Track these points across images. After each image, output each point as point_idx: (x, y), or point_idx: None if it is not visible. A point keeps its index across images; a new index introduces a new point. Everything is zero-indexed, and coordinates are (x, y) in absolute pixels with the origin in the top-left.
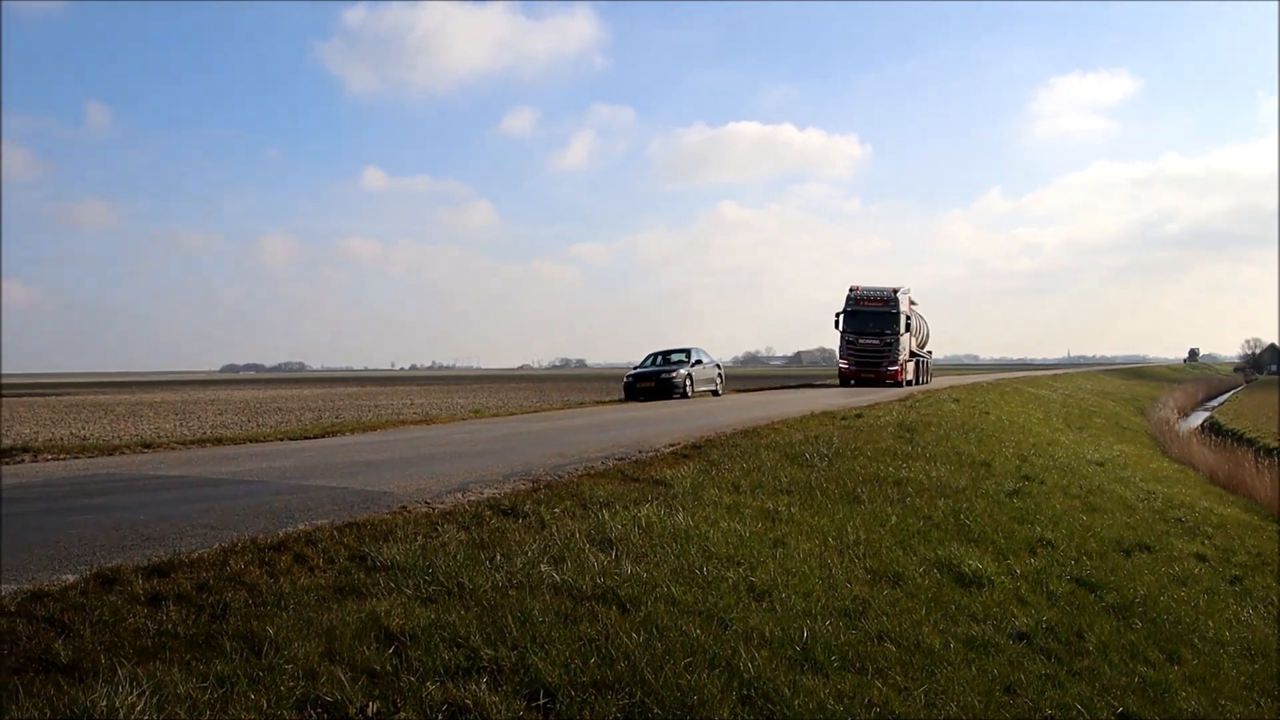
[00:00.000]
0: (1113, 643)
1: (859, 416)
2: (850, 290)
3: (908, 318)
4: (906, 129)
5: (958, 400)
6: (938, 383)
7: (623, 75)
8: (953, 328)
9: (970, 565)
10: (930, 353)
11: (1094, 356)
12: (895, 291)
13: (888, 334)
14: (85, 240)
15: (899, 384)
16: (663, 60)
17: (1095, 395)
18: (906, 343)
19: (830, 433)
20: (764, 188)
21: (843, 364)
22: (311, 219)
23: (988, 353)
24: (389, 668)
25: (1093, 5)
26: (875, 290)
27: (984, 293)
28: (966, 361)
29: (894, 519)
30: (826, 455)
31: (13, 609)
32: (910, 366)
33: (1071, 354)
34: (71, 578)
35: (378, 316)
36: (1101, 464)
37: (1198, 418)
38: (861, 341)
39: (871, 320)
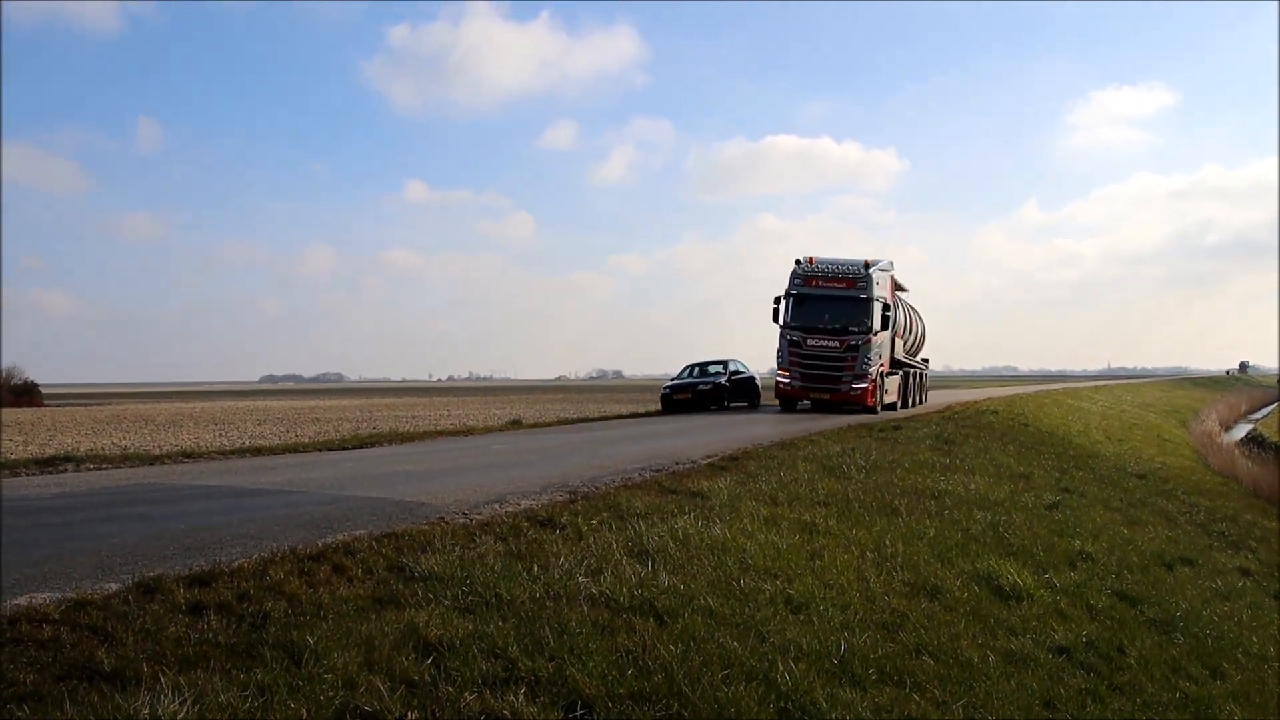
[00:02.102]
0: (1154, 658)
1: (896, 429)
2: (797, 263)
3: (886, 307)
4: (944, 142)
5: (996, 412)
6: (942, 398)
7: (662, 90)
8: (991, 339)
9: (1009, 578)
10: (926, 362)
11: (1134, 368)
12: (868, 267)
13: (853, 332)
14: (131, 252)
15: (870, 409)
16: (702, 75)
17: (1136, 407)
18: (884, 346)
19: (867, 445)
20: (802, 200)
21: (782, 377)
22: (354, 231)
23: (1027, 364)
24: (427, 678)
25: (1129, 20)
26: (836, 264)
27: (1023, 304)
28: (1005, 373)
29: (932, 531)
30: (863, 467)
31: (57, 617)
32: (892, 383)
33: (1112, 365)
34: (114, 586)
35: (416, 328)
36: (1143, 477)
37: (1240, 430)
38: (812, 343)
39: (828, 310)
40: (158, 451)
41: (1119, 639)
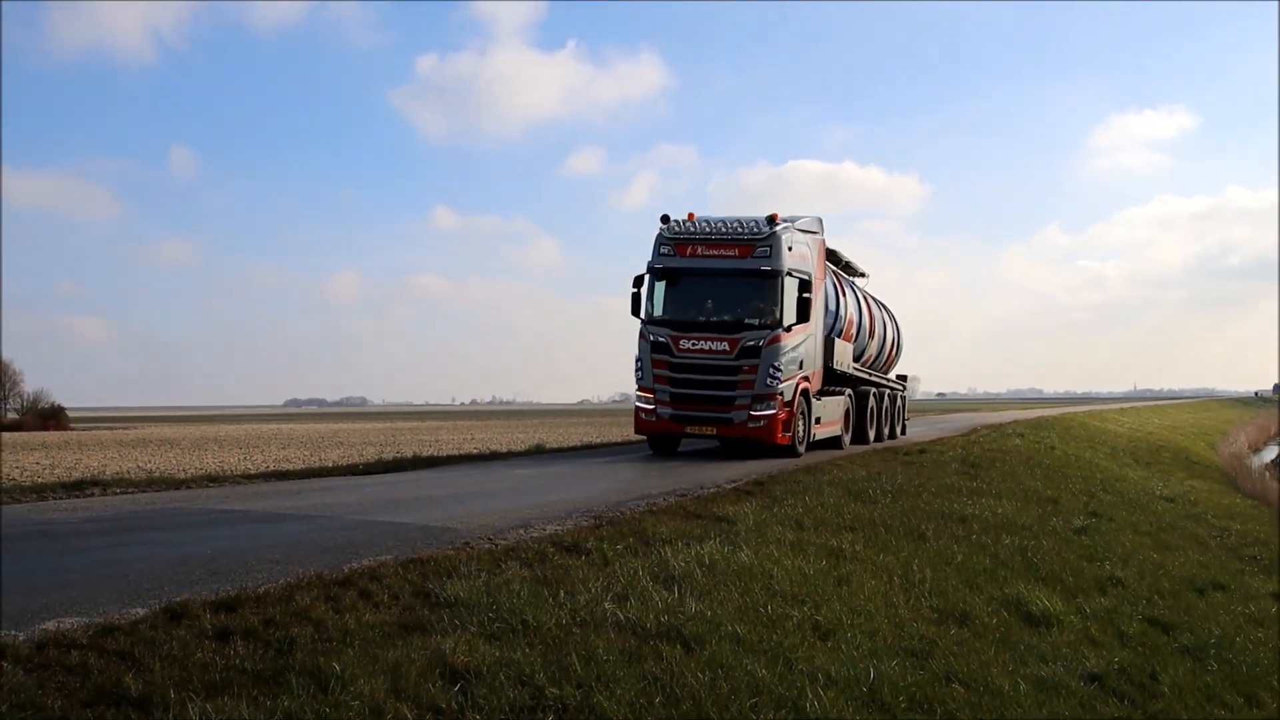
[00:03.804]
0: (1188, 685)
1: (921, 453)
2: (665, 223)
3: (807, 286)
4: (966, 166)
5: (1022, 435)
6: (967, 421)
7: (686, 117)
8: (1016, 361)
9: (1039, 604)
10: (904, 380)
11: (1160, 390)
12: (774, 223)
13: (751, 326)
14: (163, 278)
15: (786, 448)
16: (725, 102)
17: (1163, 429)
18: (808, 348)
19: (893, 469)
20: (826, 224)
21: (643, 400)
22: (382, 257)
23: (1052, 386)
24: (454, 705)
25: (1148, 44)
26: (724, 222)
27: (1047, 327)
28: (1030, 395)
29: (960, 557)
30: (889, 491)
31: (85, 642)
32: (831, 407)
33: (1137, 387)
34: (141, 611)
35: (440, 352)
36: (1172, 500)
37: (1271, 452)
38: (687, 346)
39: (713, 292)
40: (183, 475)
41: (1152, 666)
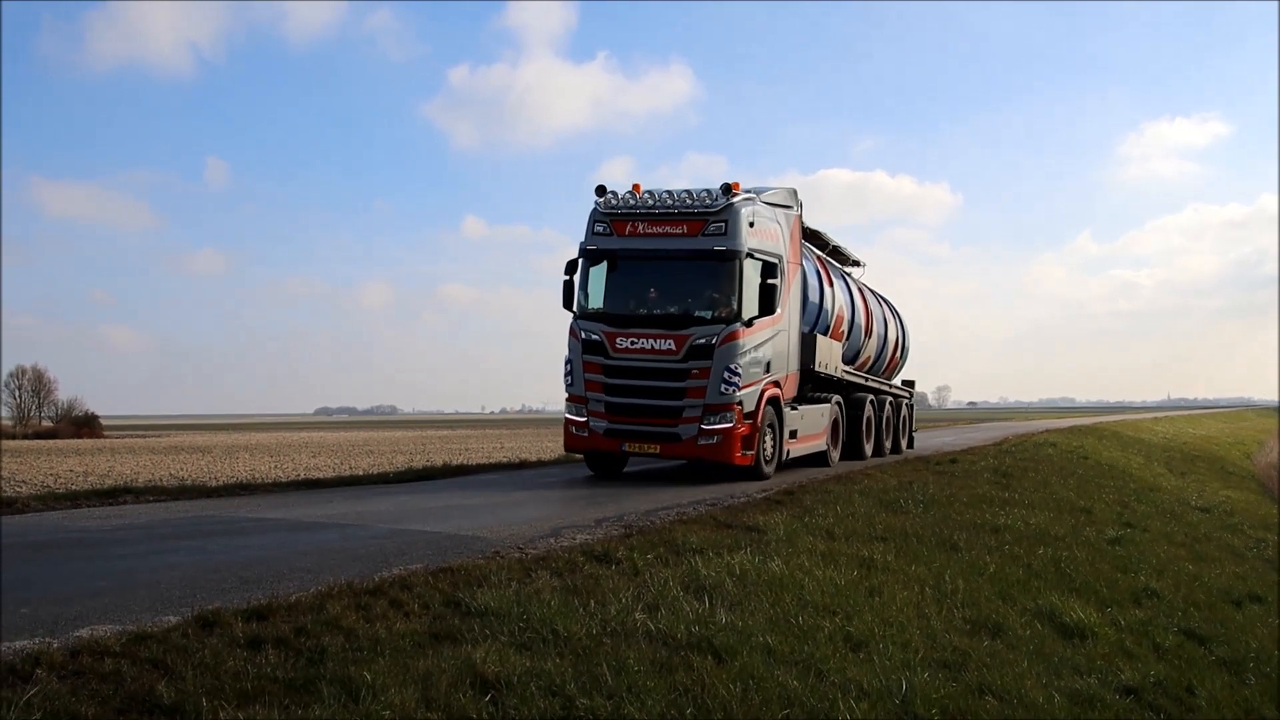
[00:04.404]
0: (1225, 699)
1: (953, 462)
2: (601, 196)
3: (773, 270)
4: (996, 175)
5: (1054, 445)
6: (999, 431)
7: (715, 126)
8: (1047, 371)
9: (1073, 616)
10: (910, 388)
11: (1195, 399)
12: (729, 193)
13: (702, 319)
14: (195, 287)
15: (749, 469)
16: (755, 112)
17: (1197, 438)
18: (778, 346)
19: (925, 479)
20: (855, 233)
21: (572, 410)
22: (412, 266)
23: (1084, 395)
24: (485, 715)
25: (1182, 53)
26: (671, 195)
27: (1079, 335)
28: (1062, 404)
29: (992, 567)
30: (921, 501)
31: (118, 650)
32: (811, 418)
33: (1171, 396)
34: (173, 619)
35: (470, 361)
36: (1207, 510)
37: None
38: (626, 345)
39: (656, 279)
40: (215, 483)
41: (1188, 679)
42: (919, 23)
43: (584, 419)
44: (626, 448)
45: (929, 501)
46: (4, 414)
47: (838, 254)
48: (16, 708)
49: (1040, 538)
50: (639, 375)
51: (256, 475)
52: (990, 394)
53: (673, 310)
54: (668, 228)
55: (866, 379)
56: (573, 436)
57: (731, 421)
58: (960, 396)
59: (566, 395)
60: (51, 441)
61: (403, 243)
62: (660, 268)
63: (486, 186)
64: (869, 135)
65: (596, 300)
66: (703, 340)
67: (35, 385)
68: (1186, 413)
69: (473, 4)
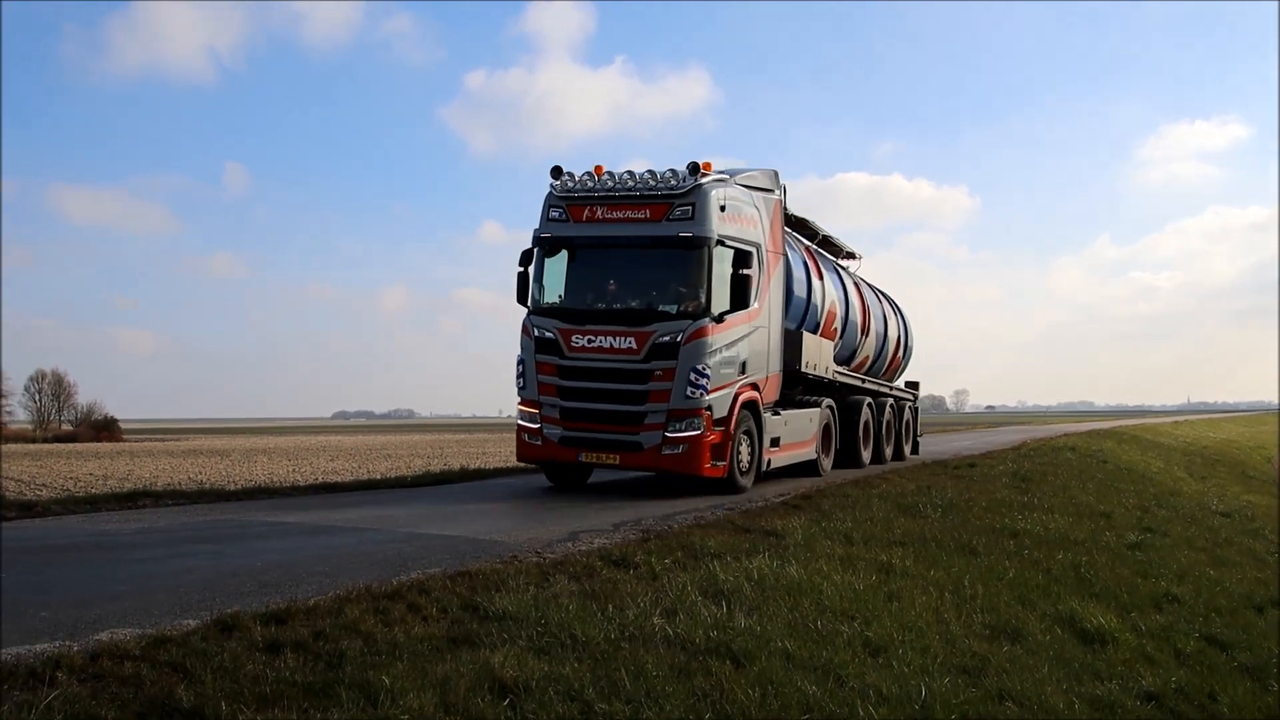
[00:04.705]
0: (1248, 705)
1: (972, 466)
2: (558, 177)
3: (745, 259)
4: (1015, 178)
5: (1074, 449)
6: (1017, 435)
7: (733, 130)
8: (1066, 374)
9: (1093, 621)
10: (914, 389)
11: (1216, 403)
12: (697, 173)
13: (665, 315)
14: (214, 291)
15: (724, 481)
16: (773, 116)
17: (1218, 442)
18: (754, 344)
19: (943, 483)
20: (873, 237)
21: (526, 417)
22: (429, 271)
23: (1103, 399)
24: (504, 719)
25: (1200, 56)
26: (631, 177)
27: (1098, 338)
28: (1081, 408)
29: (1012, 572)
30: (940, 506)
31: (137, 653)
32: (796, 425)
33: (1191, 400)
34: (193, 623)
35: (488, 365)
36: (1228, 515)
37: None
38: (581, 344)
39: (616, 270)
40: (233, 487)
41: (1210, 685)
42: (936, 26)
43: (537, 426)
44: (583, 457)
45: (947, 506)
46: (24, 418)
47: (829, 244)
48: (38, 711)
49: (1060, 542)
50: (597, 377)
51: (275, 479)
52: (1009, 398)
53: (634, 304)
54: (629, 212)
55: (863, 380)
56: (525, 445)
57: (699, 429)
58: (978, 400)
59: (520, 399)
60: (71, 445)
61: (420, 247)
62: (621, 257)
63: (504, 191)
64: (887, 138)
65: (553, 294)
66: (666, 338)
67: (55, 389)
68: (1206, 416)
69: (490, 9)
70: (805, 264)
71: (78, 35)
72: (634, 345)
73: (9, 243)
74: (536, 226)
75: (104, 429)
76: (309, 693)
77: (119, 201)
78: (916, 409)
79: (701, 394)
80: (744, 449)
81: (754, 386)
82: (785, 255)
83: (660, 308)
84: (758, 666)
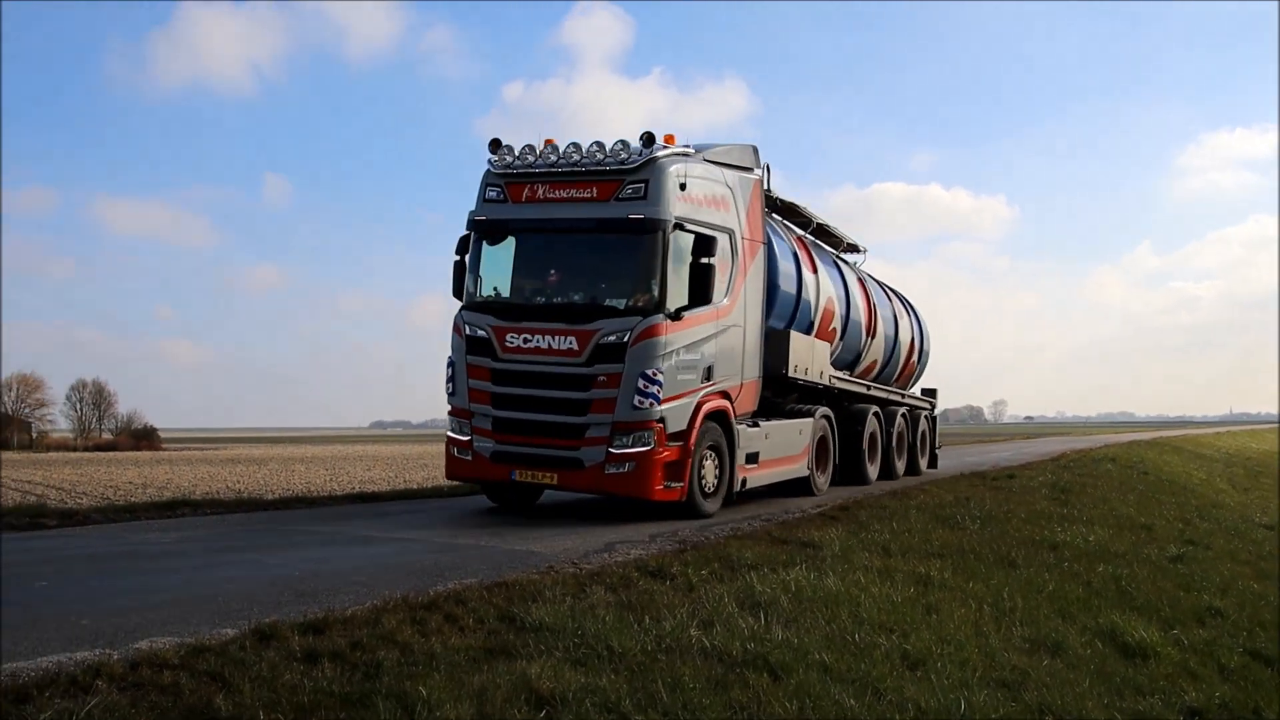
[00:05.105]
0: None
1: (1010, 478)
2: (497, 150)
3: (709, 246)
4: (1053, 187)
5: (1114, 460)
6: (1056, 446)
7: (770, 141)
8: (1106, 384)
9: (1135, 635)
10: (932, 397)
11: (1258, 413)
12: (651, 143)
13: (612, 311)
14: (253, 302)
15: (684, 505)
16: (810, 126)
17: (1261, 453)
18: (723, 345)
19: (981, 494)
20: (911, 247)
21: (455, 428)
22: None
23: (1144, 410)
24: None
25: (1240, 63)
26: (577, 151)
27: (1139, 349)
28: (1121, 419)
29: (1051, 585)
30: (978, 517)
31: (176, 662)
32: (779, 438)
33: (1234, 410)
34: (231, 632)
35: None
36: (1272, 527)
37: None
38: (517, 344)
39: (557, 258)
40: (271, 496)
41: (1255, 701)
42: (972, 34)
43: (467, 438)
44: (517, 475)
45: (986, 517)
46: (65, 426)
47: (825, 234)
48: (78, 718)
49: (1100, 555)
50: (533, 383)
51: (312, 488)
52: (1048, 409)
53: (576, 298)
54: (573, 191)
55: (869, 387)
56: (453, 460)
57: (649, 444)
58: (1017, 411)
59: (450, 406)
60: (111, 454)
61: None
62: (564, 242)
63: None
64: (924, 148)
65: (484, 287)
66: (612, 337)
67: (96, 398)
68: (1249, 427)
69: (529, 21)
70: (795, 255)
71: (122, 49)
72: (575, 346)
73: (54, 254)
74: (473, 209)
75: (143, 438)
76: (346, 703)
77: (161, 213)
78: (934, 419)
79: (652, 403)
80: (708, 466)
81: (724, 394)
82: (770, 244)
83: (606, 302)
84: (795, 679)
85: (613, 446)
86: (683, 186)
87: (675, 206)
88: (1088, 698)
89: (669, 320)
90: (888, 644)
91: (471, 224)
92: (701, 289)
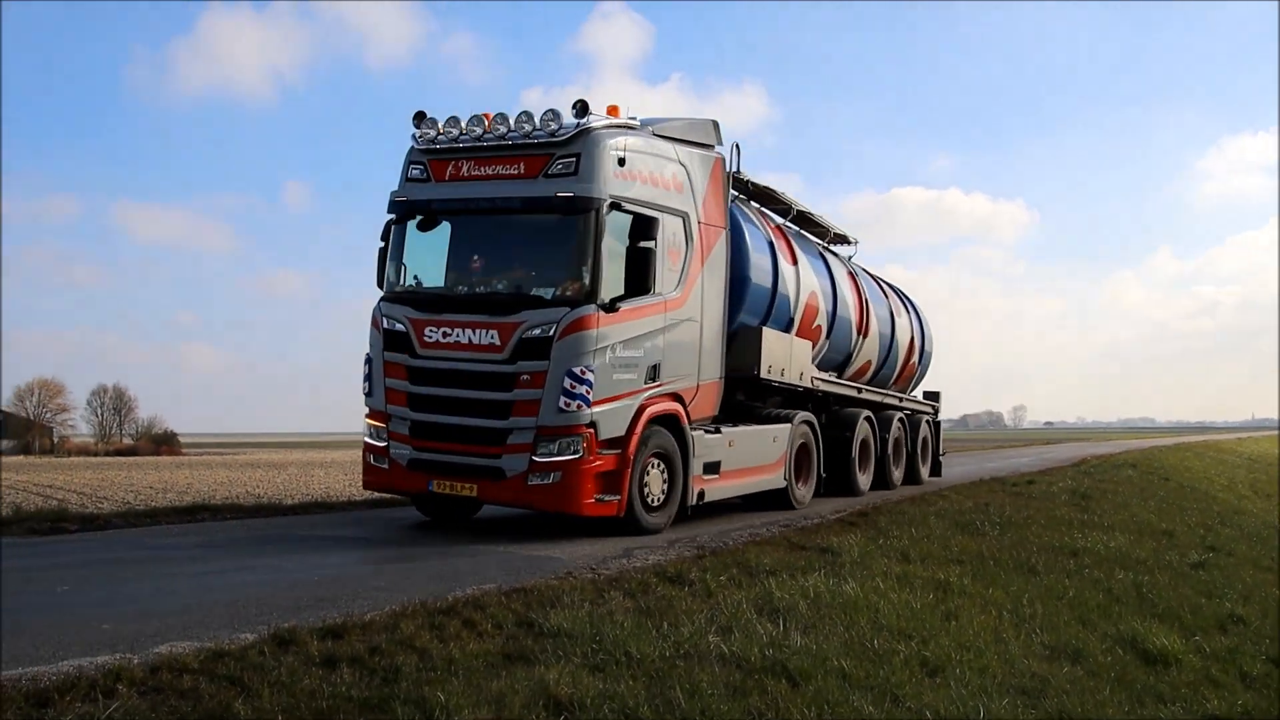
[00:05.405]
0: None
1: (1030, 483)
2: (417, 129)
3: (648, 226)
4: (1072, 191)
5: (1134, 466)
6: (1076, 451)
7: (790, 146)
8: (1126, 390)
9: (1155, 642)
10: (934, 400)
11: None
12: (585, 112)
13: (538, 302)
14: (274, 307)
15: (625, 520)
16: (829, 132)
17: None
18: (679, 346)
19: (1001, 500)
20: (930, 251)
21: (373, 432)
22: None
23: (1164, 415)
24: None
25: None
26: (504, 123)
27: (1159, 354)
28: (1142, 424)
29: (1071, 591)
30: (998, 523)
31: (196, 667)
32: (748, 443)
33: (1255, 416)
34: (250, 637)
35: None
36: None
37: None
38: (434, 339)
39: (483, 243)
40: (291, 501)
41: (1277, 709)
42: (991, 39)
43: (383, 444)
44: (434, 486)
45: (1005, 523)
46: (86, 431)
47: (809, 223)
48: None
49: (1120, 561)
50: (452, 382)
51: (331, 493)
52: (1068, 414)
53: (500, 287)
54: (501, 167)
55: (859, 390)
56: (369, 469)
57: (577, 452)
58: (1036, 416)
59: (367, 408)
60: (132, 458)
61: None
62: (489, 225)
63: None
64: (942, 153)
65: (404, 275)
66: (537, 331)
67: (116, 403)
68: (1271, 433)
69: (548, 28)
70: (771, 245)
71: (145, 57)
72: (497, 340)
73: (76, 260)
74: (395, 189)
75: (164, 443)
76: (365, 708)
77: (182, 219)
78: (937, 424)
79: (580, 406)
80: (654, 477)
81: (675, 397)
82: (739, 232)
83: (533, 292)
84: (814, 686)
85: (536, 454)
86: (621, 162)
87: (611, 184)
88: (1108, 705)
89: (602, 311)
90: (907, 651)
91: (392, 205)
92: (639, 276)
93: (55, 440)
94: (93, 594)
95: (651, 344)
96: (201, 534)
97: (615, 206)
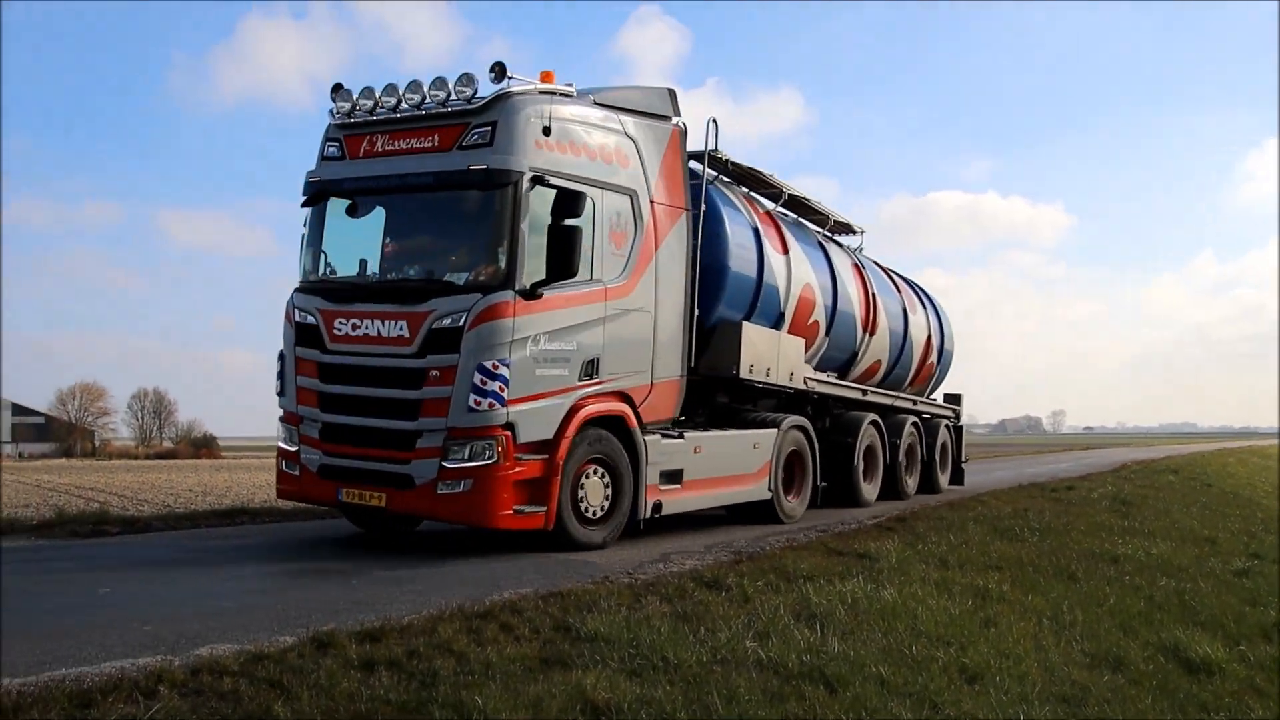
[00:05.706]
0: None
1: (1070, 489)
2: (335, 100)
3: (565, 199)
4: (1111, 194)
5: (1176, 471)
6: (1117, 456)
7: (826, 150)
8: (1167, 394)
9: (1198, 650)
10: (956, 404)
11: None
12: (503, 76)
13: (450, 289)
14: None
15: (558, 535)
16: (865, 136)
17: None
18: (622, 339)
19: (1040, 506)
20: (968, 255)
21: (286, 435)
22: None
23: (1206, 420)
24: None
25: None
26: (414, 96)
27: (1201, 358)
28: (1183, 430)
29: (1112, 599)
30: (1037, 529)
31: (236, 669)
32: (719, 448)
33: None
34: (289, 640)
35: None
36: None
37: None
38: (343, 331)
39: (395, 226)
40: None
41: None
42: (1028, 40)
43: (295, 449)
44: (344, 495)
45: (1045, 530)
46: (127, 435)
47: (806, 210)
48: None
49: (1162, 568)
50: (361, 379)
51: None
52: (1108, 419)
53: (411, 273)
54: (414, 140)
55: (864, 392)
56: (282, 475)
57: (491, 457)
58: (1076, 421)
59: (281, 410)
60: (171, 461)
61: None
62: (402, 205)
63: None
64: (979, 156)
65: (318, 262)
66: (446, 321)
67: (156, 407)
68: None
69: (586, 32)
70: (756, 231)
71: (185, 63)
72: (405, 332)
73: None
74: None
75: (203, 446)
76: (403, 711)
77: (222, 225)
78: (959, 428)
79: (493, 405)
80: (593, 486)
81: (621, 396)
82: (719, 214)
83: (446, 277)
84: (851, 692)
85: (446, 460)
86: (546, 131)
87: (532, 155)
88: (1150, 714)
89: (520, 298)
90: (945, 657)
91: (306, 187)
92: (564, 259)
93: (96, 443)
94: (134, 596)
95: (588, 336)
96: (242, 537)
97: (539, 180)
